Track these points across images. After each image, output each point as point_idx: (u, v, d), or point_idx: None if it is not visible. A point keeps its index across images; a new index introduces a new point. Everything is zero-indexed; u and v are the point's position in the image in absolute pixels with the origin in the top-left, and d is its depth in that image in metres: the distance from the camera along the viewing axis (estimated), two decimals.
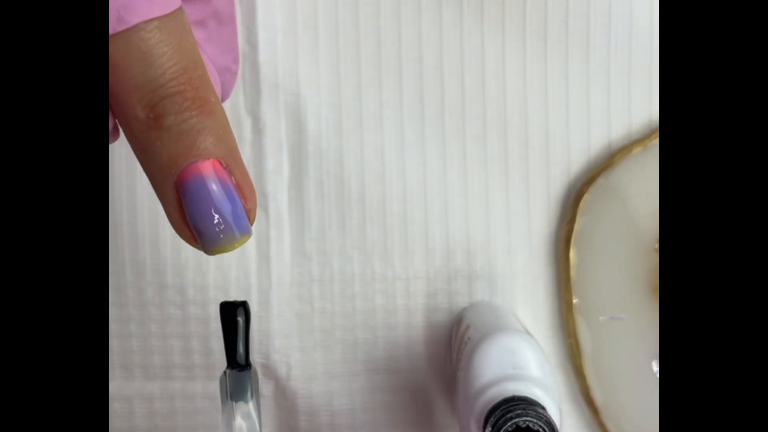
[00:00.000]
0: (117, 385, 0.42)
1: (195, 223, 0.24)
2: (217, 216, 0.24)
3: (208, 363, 0.41)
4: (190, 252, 0.41)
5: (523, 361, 0.34)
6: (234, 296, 0.41)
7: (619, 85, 0.41)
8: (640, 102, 0.41)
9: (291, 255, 0.41)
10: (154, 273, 0.41)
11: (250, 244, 0.41)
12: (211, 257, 0.41)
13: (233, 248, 0.24)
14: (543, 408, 0.31)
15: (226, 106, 0.29)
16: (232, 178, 0.24)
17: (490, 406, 0.32)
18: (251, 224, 0.25)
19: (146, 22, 0.23)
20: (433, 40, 0.41)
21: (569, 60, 0.41)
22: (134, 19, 0.23)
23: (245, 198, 0.24)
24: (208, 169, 0.23)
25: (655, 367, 0.41)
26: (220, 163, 0.24)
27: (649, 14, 0.41)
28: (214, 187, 0.24)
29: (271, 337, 0.41)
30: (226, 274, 0.41)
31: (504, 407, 0.31)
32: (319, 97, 0.41)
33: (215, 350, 0.41)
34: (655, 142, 0.40)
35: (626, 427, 0.41)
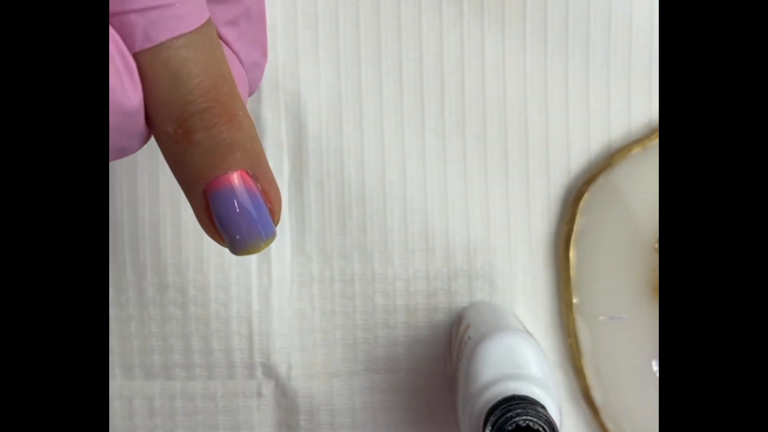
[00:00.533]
0: (117, 384, 0.42)
1: (223, 228, 0.25)
2: (244, 223, 0.24)
3: (208, 363, 0.41)
4: (190, 252, 0.41)
5: (523, 360, 0.34)
6: (234, 296, 0.41)
7: (619, 85, 0.41)
8: (639, 102, 0.41)
9: (291, 255, 0.41)
10: (154, 273, 0.41)
11: None
12: (212, 257, 0.41)
13: (259, 251, 0.25)
14: (543, 407, 0.31)
15: None
16: (258, 185, 0.25)
17: (490, 405, 0.32)
18: (276, 225, 0.25)
19: (173, 39, 0.23)
20: (433, 40, 0.41)
21: (569, 60, 0.41)
22: (161, 37, 0.23)
23: (271, 202, 0.25)
24: (235, 180, 0.24)
25: (655, 367, 0.41)
26: (247, 172, 0.24)
27: (649, 14, 0.41)
28: (241, 196, 0.24)
29: (272, 337, 0.41)
30: (226, 273, 0.41)
31: (504, 406, 0.31)
32: (319, 97, 0.41)
33: (215, 350, 0.41)
34: (655, 142, 0.40)
35: (626, 427, 0.41)
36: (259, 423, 0.42)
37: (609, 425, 0.41)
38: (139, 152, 0.41)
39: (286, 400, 0.42)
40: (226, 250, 0.41)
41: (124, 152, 0.25)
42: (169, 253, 0.41)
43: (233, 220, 0.24)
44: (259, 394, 0.42)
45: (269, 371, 0.42)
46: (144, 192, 0.41)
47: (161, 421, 0.42)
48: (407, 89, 0.41)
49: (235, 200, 0.24)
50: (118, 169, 0.41)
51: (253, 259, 0.41)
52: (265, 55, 0.31)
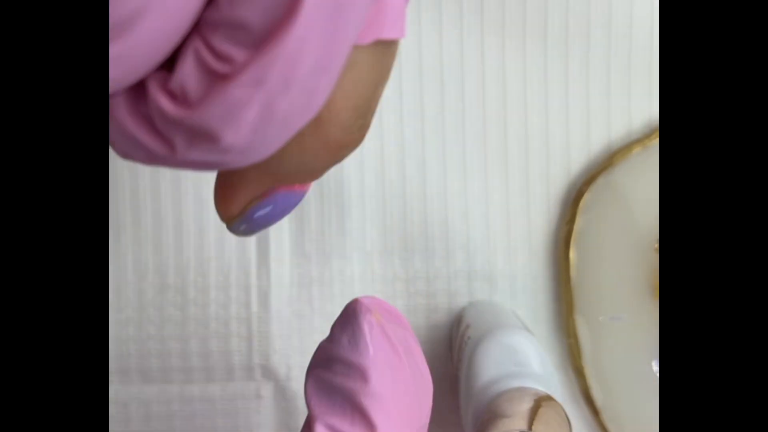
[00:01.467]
0: (113, 389, 0.41)
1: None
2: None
3: (206, 365, 0.41)
4: (191, 253, 0.41)
5: (524, 358, 0.34)
6: (234, 297, 0.41)
7: (619, 85, 0.41)
8: (640, 102, 0.41)
9: (291, 255, 0.41)
10: (155, 274, 0.41)
11: (250, 245, 0.41)
12: (212, 259, 0.41)
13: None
14: None
15: None
16: None
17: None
18: None
19: (393, 41, 0.20)
20: (432, 40, 0.40)
21: (569, 60, 0.41)
22: (369, 36, 0.20)
23: None
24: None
25: (655, 367, 0.40)
26: None
27: (649, 14, 0.40)
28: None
29: (271, 338, 0.41)
30: (226, 275, 0.41)
31: None
32: None
33: (214, 352, 0.41)
34: (655, 141, 0.40)
35: (627, 428, 0.41)
36: (258, 425, 0.42)
37: (610, 426, 0.41)
38: None
39: (285, 401, 0.42)
40: (225, 251, 0.41)
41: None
42: (171, 254, 0.41)
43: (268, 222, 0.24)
44: (258, 396, 0.42)
45: (268, 373, 0.42)
46: (146, 193, 0.41)
47: (158, 425, 0.42)
48: (407, 89, 0.41)
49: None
50: (119, 171, 0.41)
51: (252, 259, 0.41)
52: None
